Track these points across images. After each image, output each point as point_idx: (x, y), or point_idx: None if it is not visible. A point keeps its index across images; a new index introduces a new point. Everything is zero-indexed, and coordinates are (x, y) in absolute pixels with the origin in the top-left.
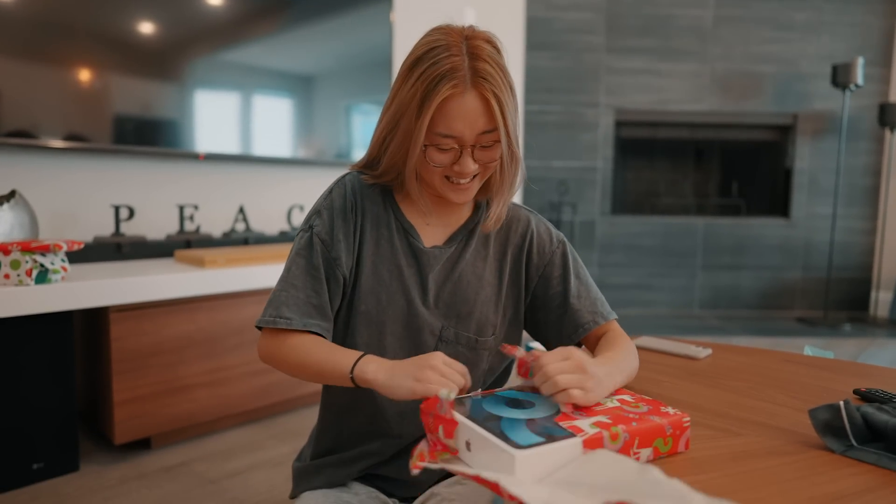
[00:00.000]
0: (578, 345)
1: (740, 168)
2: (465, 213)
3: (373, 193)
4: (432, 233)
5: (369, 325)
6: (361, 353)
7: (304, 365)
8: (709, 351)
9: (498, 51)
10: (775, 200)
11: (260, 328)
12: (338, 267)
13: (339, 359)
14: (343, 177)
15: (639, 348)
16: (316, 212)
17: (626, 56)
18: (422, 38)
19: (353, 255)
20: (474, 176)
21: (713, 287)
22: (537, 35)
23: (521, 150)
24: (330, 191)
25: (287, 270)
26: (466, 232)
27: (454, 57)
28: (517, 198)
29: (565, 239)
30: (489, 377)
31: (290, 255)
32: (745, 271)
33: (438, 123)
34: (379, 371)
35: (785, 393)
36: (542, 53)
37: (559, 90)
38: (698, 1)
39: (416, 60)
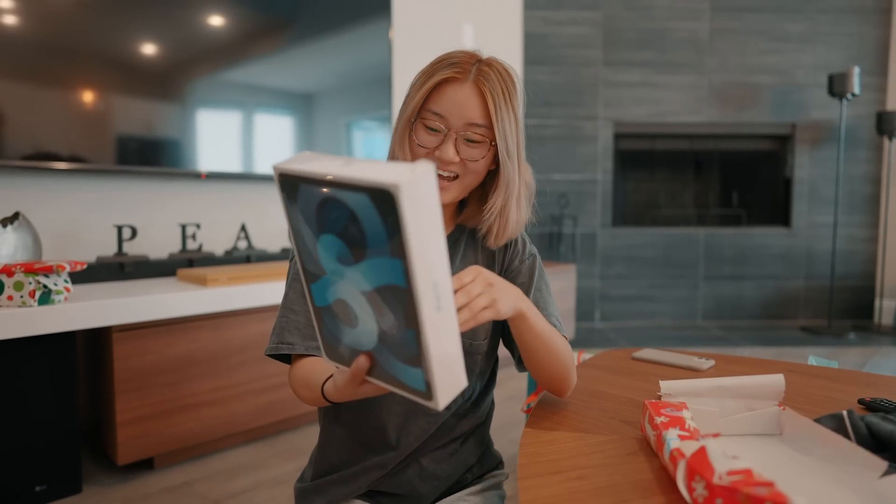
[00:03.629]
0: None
1: (740, 178)
2: (452, 224)
3: None
4: None
5: None
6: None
7: (310, 388)
8: (712, 362)
9: (511, 77)
10: (776, 210)
11: (269, 356)
12: None
13: (320, 375)
14: None
15: (641, 360)
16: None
17: (624, 69)
18: None
19: None
20: (456, 177)
21: (716, 297)
22: (535, 50)
23: (519, 180)
24: None
25: (285, 296)
26: (452, 240)
27: (467, 57)
28: None
29: (537, 255)
30: (481, 381)
31: (286, 279)
32: (748, 281)
33: (432, 101)
34: (331, 381)
35: (789, 404)
36: (541, 68)
37: (558, 104)
38: (694, 14)
39: (434, 61)
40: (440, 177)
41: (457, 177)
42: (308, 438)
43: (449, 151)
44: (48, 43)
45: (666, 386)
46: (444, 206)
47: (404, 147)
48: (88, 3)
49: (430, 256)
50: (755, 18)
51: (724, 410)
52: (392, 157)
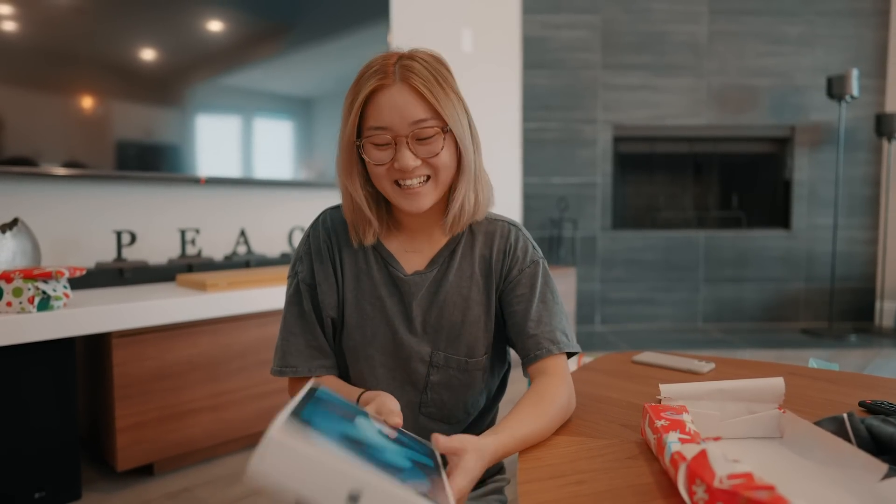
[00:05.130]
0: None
1: (740, 180)
2: (443, 236)
3: (349, 228)
4: (413, 259)
5: (359, 359)
6: (361, 391)
7: None
8: (712, 365)
9: (438, 61)
10: (776, 212)
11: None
12: (324, 310)
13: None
14: (319, 216)
15: (641, 364)
16: (298, 258)
17: (623, 72)
18: None
19: (337, 294)
20: (427, 179)
21: (716, 300)
22: (534, 54)
23: (479, 158)
24: (307, 234)
25: (284, 319)
26: (448, 253)
27: (387, 60)
28: (517, 213)
29: (542, 261)
30: (485, 397)
31: (284, 302)
32: (748, 283)
33: (370, 117)
34: (373, 403)
35: (790, 406)
36: (540, 72)
37: (557, 107)
38: (692, 17)
39: (354, 81)
40: (412, 187)
41: (429, 178)
42: None
43: (407, 158)
44: (47, 48)
45: (666, 389)
46: (430, 212)
47: (353, 176)
48: (87, 8)
49: None
50: (753, 21)
51: (724, 414)
52: (344, 192)
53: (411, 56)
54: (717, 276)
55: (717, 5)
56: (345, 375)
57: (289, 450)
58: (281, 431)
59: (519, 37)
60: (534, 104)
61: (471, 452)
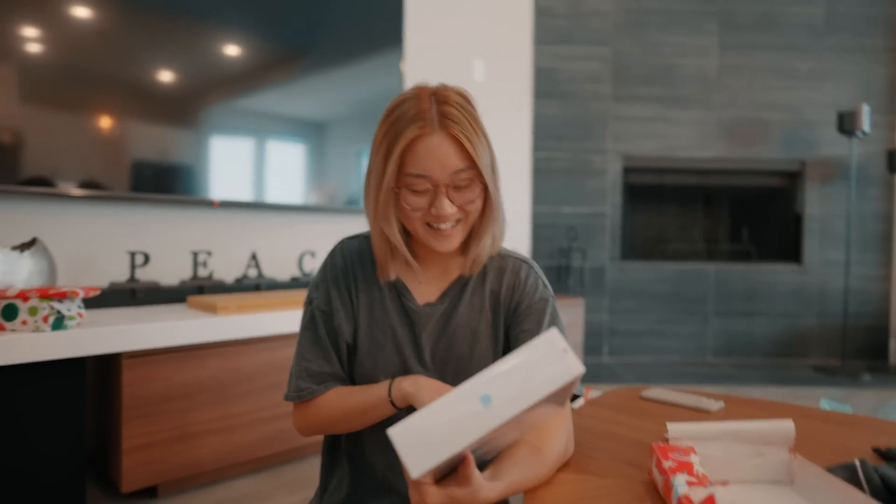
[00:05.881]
0: None
1: (750, 214)
2: (457, 269)
3: (365, 257)
4: (425, 290)
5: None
6: (388, 381)
7: (343, 412)
8: (721, 403)
9: (468, 100)
10: (787, 246)
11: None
12: (339, 335)
13: (373, 391)
14: (336, 246)
15: (650, 400)
16: (315, 285)
17: (633, 104)
18: (395, 98)
19: (352, 321)
20: (458, 221)
21: (726, 334)
22: (545, 84)
23: (500, 197)
24: (325, 263)
25: (298, 344)
26: (459, 287)
27: (422, 104)
28: (526, 242)
29: (551, 299)
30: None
31: (300, 329)
32: (759, 318)
33: (409, 164)
34: (406, 382)
35: (801, 450)
36: (550, 102)
37: (567, 137)
38: (702, 51)
39: (386, 114)
40: (445, 230)
41: (458, 221)
42: (313, 470)
43: (445, 206)
44: (69, 69)
45: (674, 429)
46: (453, 251)
47: (390, 219)
48: (109, 30)
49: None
50: (764, 56)
51: (732, 456)
52: (378, 233)
53: (445, 99)
54: (728, 309)
55: (727, 40)
56: None
57: (412, 429)
58: (396, 430)
59: (530, 67)
60: (544, 134)
61: (474, 485)
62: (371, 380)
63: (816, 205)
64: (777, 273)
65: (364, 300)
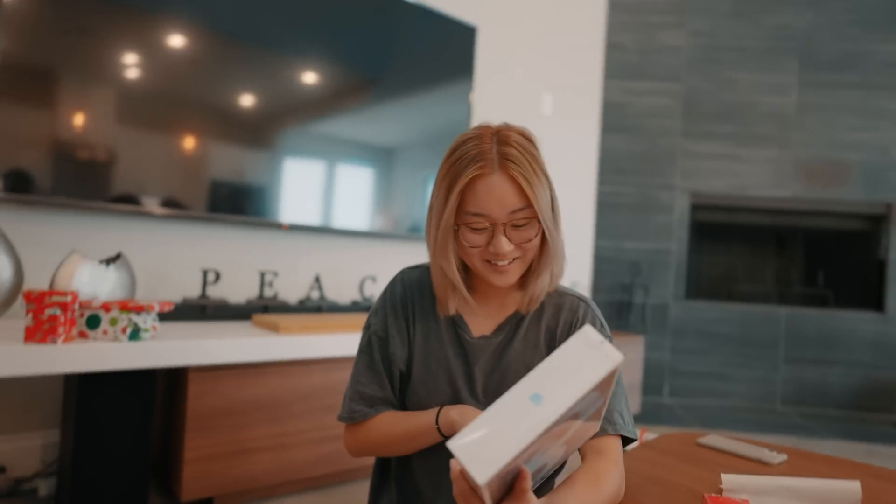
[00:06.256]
0: None
1: (827, 257)
2: (514, 303)
3: (424, 288)
4: (481, 323)
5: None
6: (437, 408)
7: (392, 436)
8: (784, 457)
9: (530, 141)
10: (868, 293)
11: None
12: (393, 362)
13: (421, 418)
14: (398, 275)
15: (706, 447)
16: (374, 311)
17: (703, 140)
18: (458, 137)
19: (407, 348)
20: (515, 259)
21: (797, 381)
22: (613, 118)
23: (560, 236)
24: (385, 291)
25: (354, 367)
26: (515, 321)
27: (483, 144)
28: (587, 275)
29: (609, 340)
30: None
31: (357, 352)
32: (835, 367)
33: (468, 203)
34: (454, 411)
35: None
36: (618, 136)
37: (633, 172)
38: (780, 88)
39: (449, 153)
40: (503, 266)
41: (516, 258)
42: (363, 492)
43: (503, 245)
44: (160, 92)
45: (728, 480)
46: (510, 286)
47: (448, 256)
48: (199, 58)
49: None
50: (846, 94)
51: None
52: (438, 269)
53: (507, 140)
54: (800, 356)
55: (807, 78)
56: None
57: (470, 438)
58: (456, 443)
59: (599, 101)
60: (610, 168)
61: (530, 502)
62: (423, 408)
63: None
64: (857, 320)
65: (420, 330)
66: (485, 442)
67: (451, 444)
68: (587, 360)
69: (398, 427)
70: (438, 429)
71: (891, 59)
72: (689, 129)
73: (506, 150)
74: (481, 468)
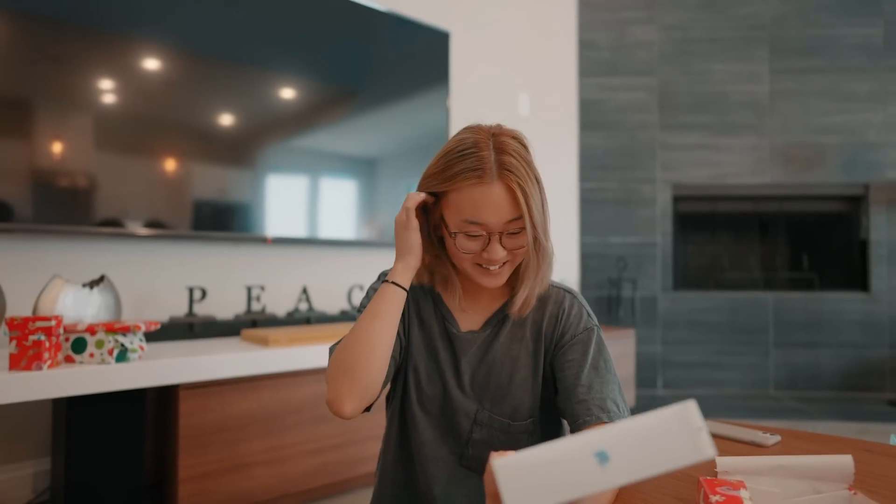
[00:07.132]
0: None
1: (810, 241)
2: (501, 298)
3: (416, 283)
4: (469, 318)
5: (410, 404)
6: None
7: (356, 330)
8: (777, 438)
9: (524, 146)
10: (852, 273)
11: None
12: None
13: (377, 297)
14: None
15: None
16: (374, 289)
17: (681, 132)
18: (452, 137)
19: (404, 334)
20: (505, 262)
21: (789, 366)
22: (591, 115)
23: (549, 238)
24: (383, 273)
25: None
26: (501, 316)
27: (481, 152)
28: (574, 272)
29: (597, 329)
30: None
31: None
32: (824, 349)
33: (466, 212)
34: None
35: (862, 487)
36: (597, 133)
37: (614, 167)
38: (752, 77)
39: (446, 155)
40: (493, 270)
41: (506, 262)
42: (362, 502)
43: (497, 252)
44: (138, 116)
45: (723, 462)
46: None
47: (459, 256)
48: (175, 80)
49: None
50: (818, 79)
51: (786, 492)
52: (443, 263)
53: (504, 148)
54: (789, 340)
55: (778, 65)
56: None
57: (519, 466)
58: (500, 463)
59: (576, 100)
60: (590, 164)
61: None
62: (412, 399)
63: (883, 229)
64: (843, 302)
65: (415, 321)
66: (530, 476)
67: (496, 462)
68: (675, 441)
69: (361, 327)
70: (393, 282)
71: (857, 41)
72: (667, 122)
73: (504, 158)
74: (515, 500)
